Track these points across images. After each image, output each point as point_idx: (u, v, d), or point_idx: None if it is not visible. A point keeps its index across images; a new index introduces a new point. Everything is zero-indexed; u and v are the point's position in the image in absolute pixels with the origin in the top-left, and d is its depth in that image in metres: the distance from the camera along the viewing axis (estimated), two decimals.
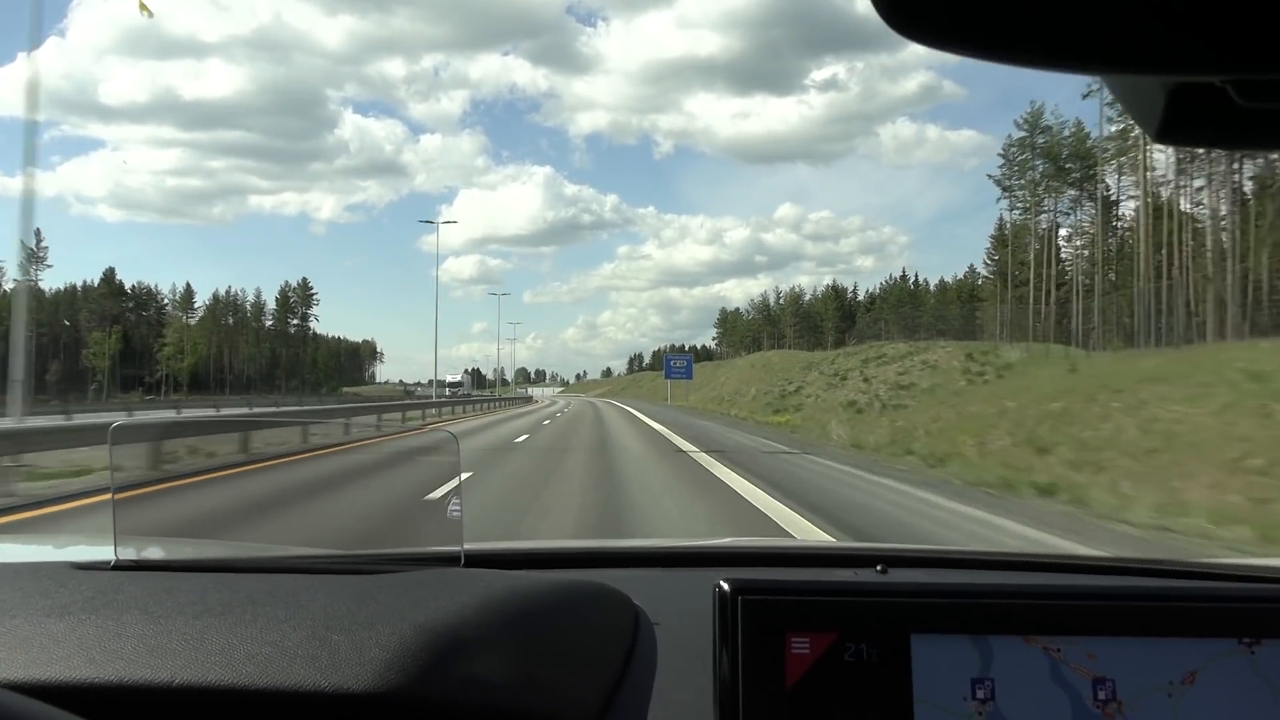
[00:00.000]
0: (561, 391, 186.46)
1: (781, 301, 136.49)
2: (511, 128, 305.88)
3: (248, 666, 0.76)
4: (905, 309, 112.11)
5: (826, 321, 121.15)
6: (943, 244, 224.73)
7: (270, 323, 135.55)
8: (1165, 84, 0.48)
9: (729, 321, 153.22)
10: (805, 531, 7.22)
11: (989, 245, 78.51)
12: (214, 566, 1.12)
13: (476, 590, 0.95)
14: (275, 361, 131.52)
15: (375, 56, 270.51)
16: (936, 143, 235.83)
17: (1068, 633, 0.86)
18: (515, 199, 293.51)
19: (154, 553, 1.25)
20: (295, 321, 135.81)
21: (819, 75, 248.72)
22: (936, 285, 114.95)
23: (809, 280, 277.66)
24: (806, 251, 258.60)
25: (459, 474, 1.25)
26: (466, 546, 1.17)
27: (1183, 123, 0.49)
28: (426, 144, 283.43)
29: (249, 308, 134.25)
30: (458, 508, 1.20)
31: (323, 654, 0.78)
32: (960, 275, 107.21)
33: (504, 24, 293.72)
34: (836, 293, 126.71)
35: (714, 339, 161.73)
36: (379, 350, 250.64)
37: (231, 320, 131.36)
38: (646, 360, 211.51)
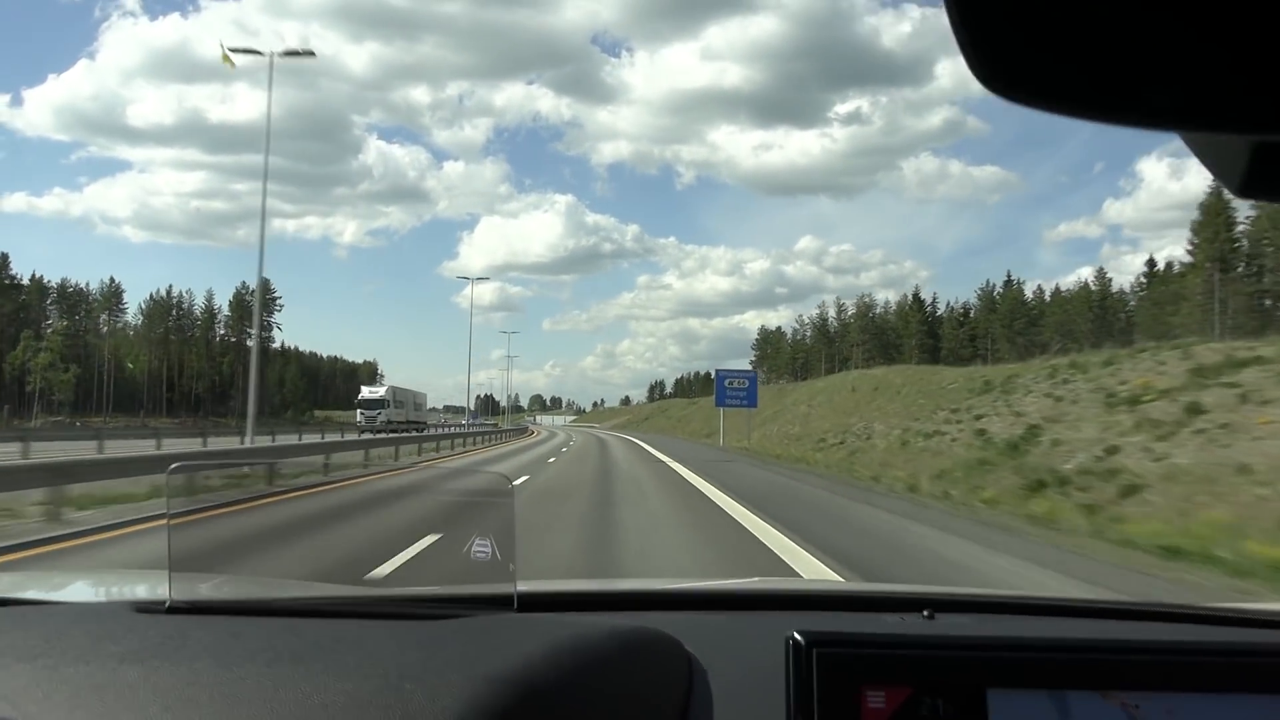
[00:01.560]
0: (573, 421, 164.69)
1: (846, 317, 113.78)
2: (534, 156, 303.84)
3: (321, 715, 0.76)
4: (1021, 320, 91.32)
5: (907, 338, 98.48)
6: (964, 279, 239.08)
7: (224, 332, 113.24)
8: (1249, 141, 0.48)
9: (771, 342, 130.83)
10: None
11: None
12: (269, 609, 1.11)
13: (539, 638, 0.96)
14: (232, 379, 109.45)
15: (400, 83, 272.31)
16: (959, 178, 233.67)
17: (1146, 688, 0.84)
18: (537, 226, 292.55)
19: (207, 591, 1.25)
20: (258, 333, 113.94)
21: (842, 108, 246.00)
22: (1045, 293, 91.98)
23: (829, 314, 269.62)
24: (827, 284, 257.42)
25: (513, 512, 1.26)
26: (519, 587, 1.17)
27: (1266, 180, 0.49)
28: (449, 170, 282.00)
29: (199, 314, 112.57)
30: (494, 547, 1.19)
31: (396, 704, 0.77)
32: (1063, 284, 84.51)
33: (529, 53, 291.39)
34: (919, 303, 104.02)
35: (751, 363, 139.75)
36: (380, 373, 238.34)
37: (168, 328, 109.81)
38: (669, 388, 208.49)
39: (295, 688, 0.79)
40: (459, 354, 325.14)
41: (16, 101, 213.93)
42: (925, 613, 1.25)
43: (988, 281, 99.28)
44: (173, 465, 1.26)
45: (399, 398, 63.77)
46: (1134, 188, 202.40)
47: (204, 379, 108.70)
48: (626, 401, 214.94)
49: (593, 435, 64.68)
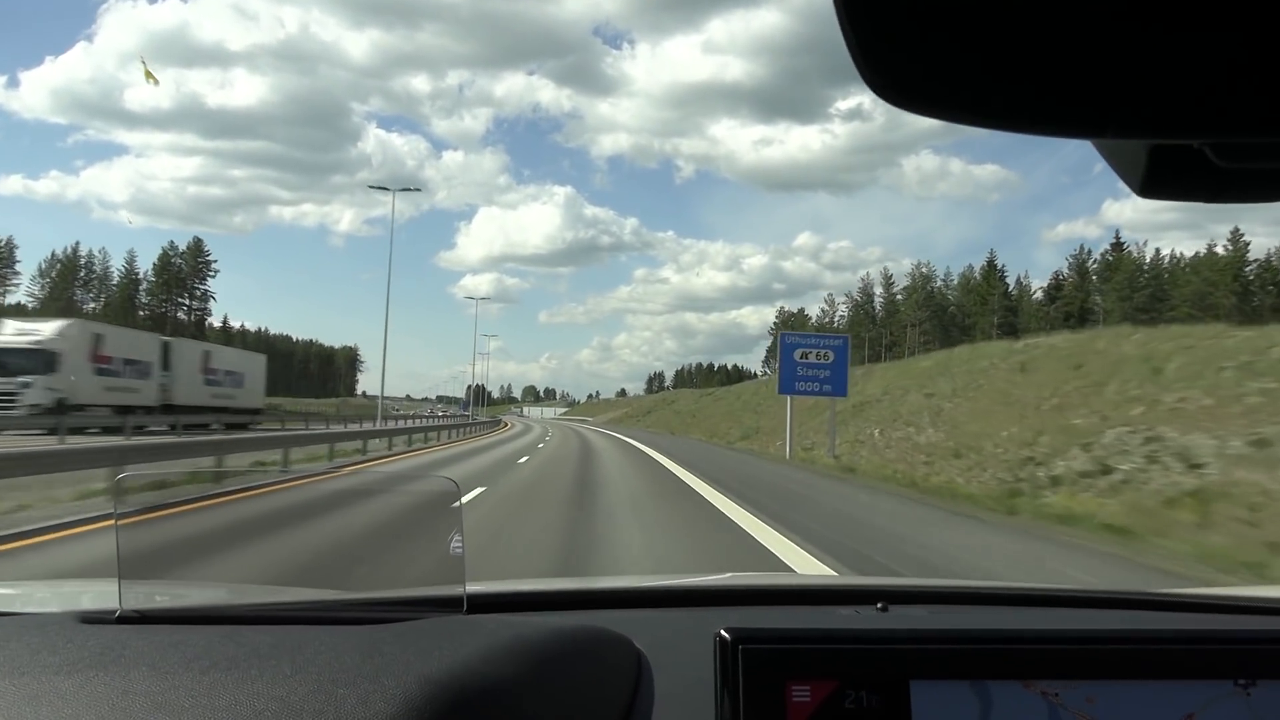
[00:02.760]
0: (564, 414, 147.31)
1: (896, 293, 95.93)
2: (534, 147, 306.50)
3: None
4: (1143, 293, 73.98)
5: (982, 317, 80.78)
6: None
7: (147, 300, 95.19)
8: (1147, 145, 0.50)
9: (795, 325, 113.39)
10: None
11: None
12: (219, 616, 1.13)
13: (480, 640, 0.96)
14: None
15: (400, 71, 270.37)
16: (960, 176, 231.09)
17: (1066, 677, 0.87)
18: (535, 218, 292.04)
19: (158, 599, 1.23)
20: (185, 301, 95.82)
21: (844, 105, 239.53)
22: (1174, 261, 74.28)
23: (827, 309, 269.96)
24: (825, 281, 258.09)
25: (461, 515, 1.23)
26: (469, 589, 1.16)
27: (1164, 180, 0.51)
28: (448, 160, 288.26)
29: (117, 278, 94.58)
30: (459, 546, 1.18)
31: (329, 708, 0.77)
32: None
33: (530, 43, 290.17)
34: (993, 271, 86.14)
35: (769, 352, 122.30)
36: (360, 359, 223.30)
37: (71, 297, 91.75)
38: (668, 381, 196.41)
39: (228, 695, 0.79)
40: (454, 344, 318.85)
41: (13, 83, 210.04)
42: (879, 605, 1.25)
43: (1081, 247, 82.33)
44: (121, 475, 1.22)
45: (109, 347, 30.49)
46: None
47: None
48: (623, 394, 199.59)
49: (579, 434, 47.33)
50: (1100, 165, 0.50)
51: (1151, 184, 0.51)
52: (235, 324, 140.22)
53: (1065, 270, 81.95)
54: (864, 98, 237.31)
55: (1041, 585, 1.63)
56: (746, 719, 0.84)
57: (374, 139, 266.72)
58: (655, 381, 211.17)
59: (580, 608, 1.39)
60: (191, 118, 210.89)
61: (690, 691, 0.99)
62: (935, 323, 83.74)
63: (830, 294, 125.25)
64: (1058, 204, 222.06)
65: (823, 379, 25.66)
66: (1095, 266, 79.50)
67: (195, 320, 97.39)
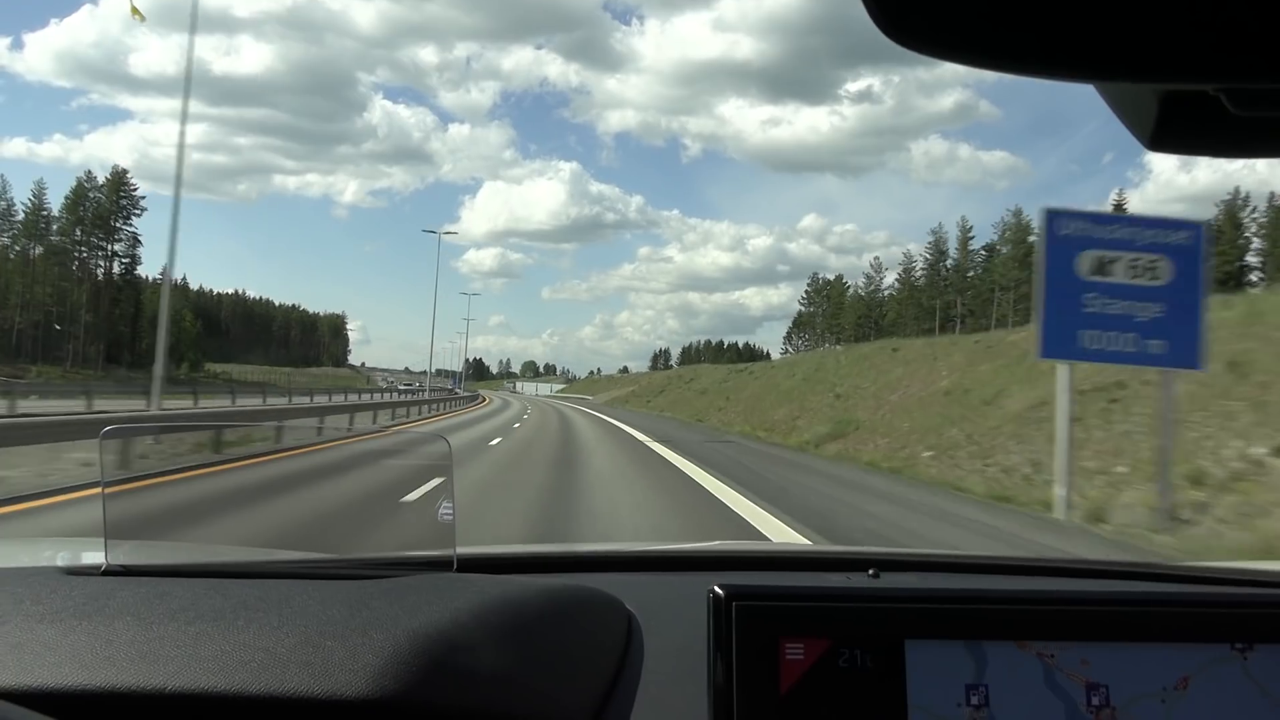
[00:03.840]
0: (559, 391, 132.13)
1: (944, 264, 79.71)
2: (540, 122, 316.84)
3: (241, 673, 0.76)
4: None
5: None
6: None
7: (58, 239, 79.12)
8: (1158, 92, 0.48)
9: (830, 296, 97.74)
10: None
11: None
12: (206, 571, 1.11)
13: (470, 595, 0.96)
14: (71, 312, 76.11)
15: (408, 42, 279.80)
16: (968, 162, 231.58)
17: (1061, 638, 0.87)
18: (540, 194, 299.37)
19: (145, 556, 1.21)
20: (110, 248, 79.93)
21: (854, 86, 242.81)
22: None
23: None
24: (830, 264, 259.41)
25: (450, 473, 1.22)
26: (459, 550, 1.15)
27: (1176, 131, 0.48)
28: (454, 133, 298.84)
29: (22, 216, 78.45)
30: (449, 511, 1.18)
31: (316, 660, 0.77)
32: None
33: (539, 16, 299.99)
34: None
35: (793, 327, 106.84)
36: (346, 326, 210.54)
37: None
38: (674, 358, 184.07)
39: (214, 645, 0.78)
40: (456, 318, 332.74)
41: (17, 45, 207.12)
42: (871, 571, 1.26)
43: (1237, 191, 66.25)
44: (106, 429, 1.21)
45: None
46: (1142, 179, 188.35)
47: (30, 310, 75.43)
48: (625, 371, 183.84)
49: (562, 426, 31.97)
50: (1110, 154, 0.59)
51: (1162, 135, 0.48)
52: (196, 283, 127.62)
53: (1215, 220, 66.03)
54: (874, 79, 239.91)
55: (1034, 556, 1.45)
56: (739, 676, 0.83)
57: (380, 110, 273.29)
58: (660, 358, 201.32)
59: (570, 570, 1.38)
60: (196, 84, 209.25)
61: (681, 652, 0.99)
62: (976, 298, 67.62)
63: (877, 257, 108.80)
64: (1066, 193, 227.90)
65: (1148, 325, 10.42)
66: (1258, 218, 63.98)
67: (124, 271, 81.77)
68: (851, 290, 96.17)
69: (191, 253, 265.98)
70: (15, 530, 6.11)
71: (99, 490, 1.14)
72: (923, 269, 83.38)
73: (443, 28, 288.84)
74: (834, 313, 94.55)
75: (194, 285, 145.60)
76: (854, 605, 0.87)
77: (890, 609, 0.87)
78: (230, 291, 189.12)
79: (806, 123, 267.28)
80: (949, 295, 76.67)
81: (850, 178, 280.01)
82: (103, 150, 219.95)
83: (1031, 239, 68.98)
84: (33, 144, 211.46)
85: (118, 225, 78.63)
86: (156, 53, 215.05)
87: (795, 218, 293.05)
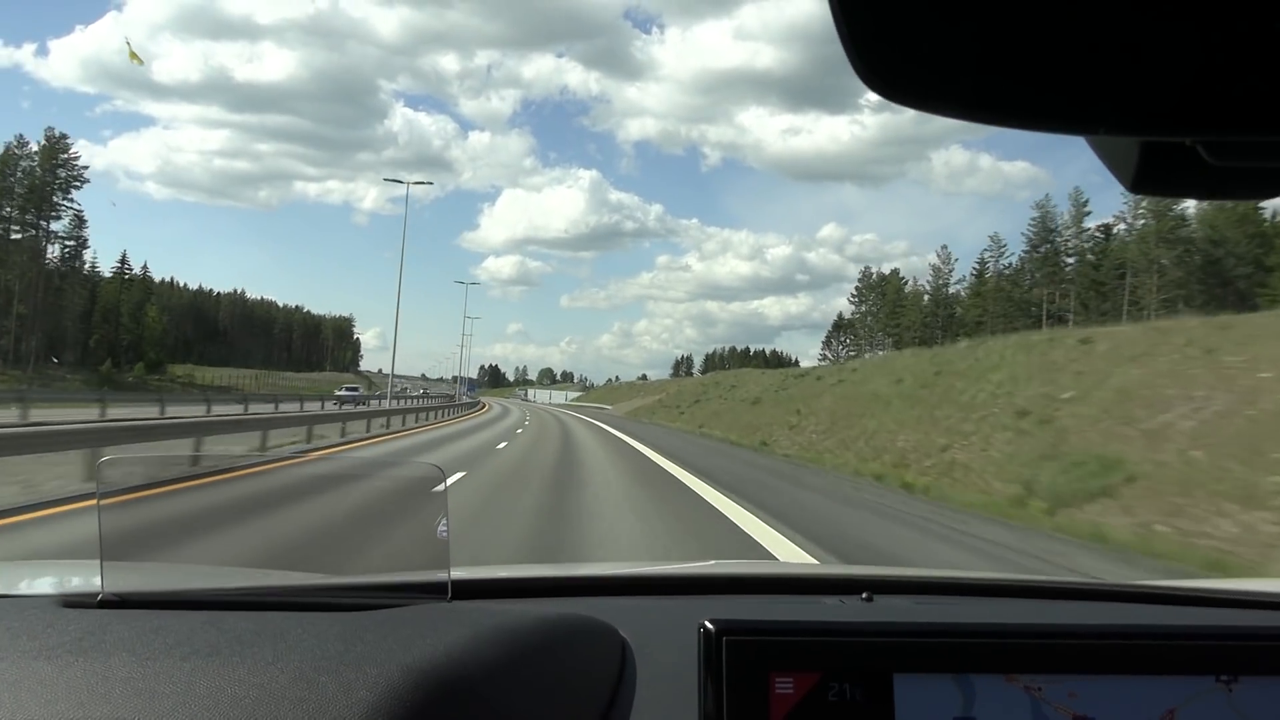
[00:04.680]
0: (575, 399, 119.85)
1: (1088, 231, 66.20)
2: (560, 130, 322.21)
3: (234, 710, 0.76)
4: None
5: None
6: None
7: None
8: (1138, 141, 0.49)
9: (888, 290, 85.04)
10: None
11: None
12: (202, 601, 1.11)
13: (464, 628, 0.95)
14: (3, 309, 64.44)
15: (429, 49, 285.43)
16: (989, 172, 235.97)
17: (1049, 671, 0.87)
18: (559, 201, 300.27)
19: (141, 582, 1.20)
20: (46, 226, 68.10)
21: (874, 96, 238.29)
22: None
23: (849, 303, 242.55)
24: (849, 273, 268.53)
25: (446, 500, 1.19)
26: (453, 574, 1.13)
27: (1156, 176, 0.50)
28: (475, 141, 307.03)
29: None
30: (444, 531, 1.16)
31: (310, 696, 0.77)
32: None
33: (560, 24, 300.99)
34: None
35: (850, 322, 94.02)
36: (355, 332, 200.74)
37: None
38: (697, 366, 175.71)
39: (209, 682, 0.78)
40: (480, 327, 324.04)
41: (43, 51, 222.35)
42: (864, 595, 1.26)
43: None
44: (103, 459, 1.20)
45: None
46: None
47: None
48: (643, 379, 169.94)
49: (565, 453, 19.36)
50: None
51: (1143, 181, 0.50)
52: (159, 275, 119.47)
53: None
54: None
55: (1026, 577, 1.64)
56: (730, 710, 0.84)
57: (401, 117, 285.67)
58: (683, 365, 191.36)
59: (564, 594, 1.39)
60: (219, 91, 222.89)
61: (673, 680, 0.99)
62: (1188, 269, 54.14)
63: (945, 246, 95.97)
64: (1089, 204, 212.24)
65: None
66: None
67: (65, 254, 70.16)
68: (910, 286, 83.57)
69: (211, 257, 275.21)
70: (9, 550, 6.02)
71: (94, 502, 1.11)
72: (1020, 255, 70.75)
73: (464, 35, 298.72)
74: (891, 311, 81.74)
75: (193, 284, 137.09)
76: (843, 639, 0.88)
77: (880, 642, 0.87)
78: (229, 291, 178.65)
79: (827, 132, 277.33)
80: (1052, 285, 63.47)
81: (870, 187, 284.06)
82: (126, 156, 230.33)
83: (1184, 209, 55.40)
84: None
85: (57, 201, 66.85)
86: (180, 59, 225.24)
87: (814, 227, 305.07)
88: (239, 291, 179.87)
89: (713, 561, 1.93)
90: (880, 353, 66.95)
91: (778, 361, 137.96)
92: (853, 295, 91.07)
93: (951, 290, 76.95)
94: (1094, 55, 0.40)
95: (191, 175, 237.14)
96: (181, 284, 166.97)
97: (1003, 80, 0.42)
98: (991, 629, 0.90)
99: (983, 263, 74.45)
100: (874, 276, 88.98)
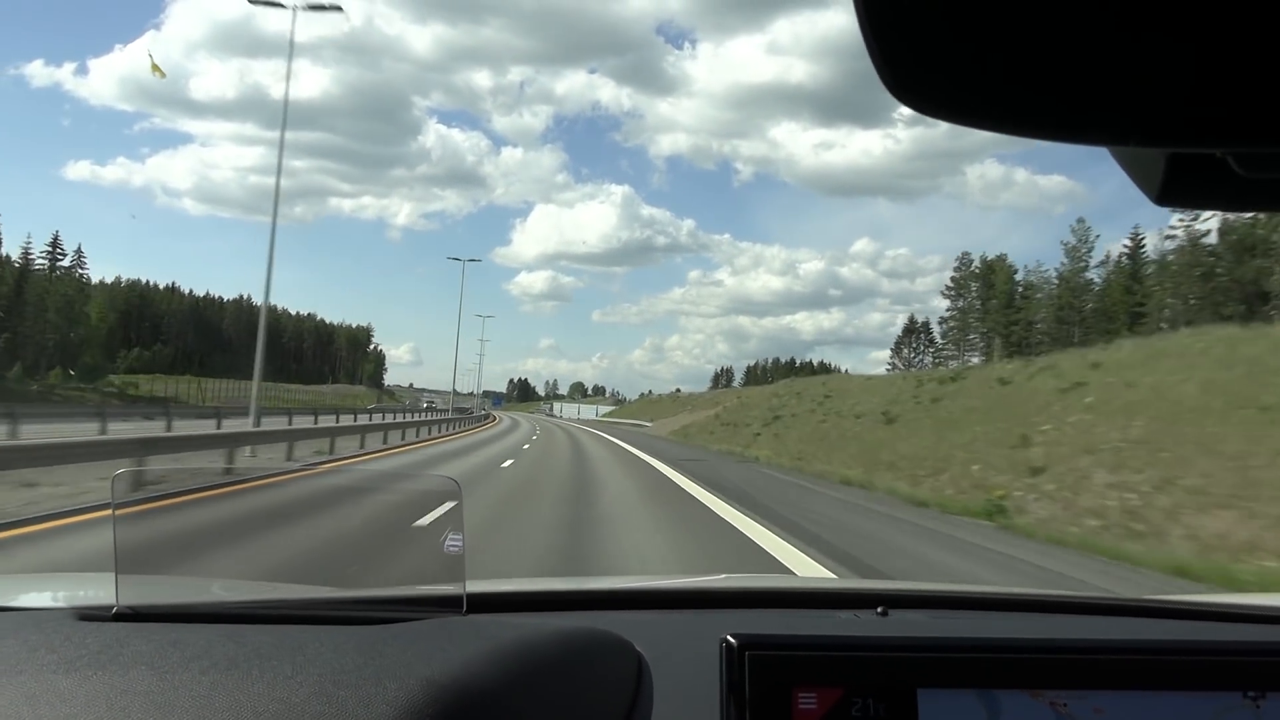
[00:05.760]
0: (606, 415, 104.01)
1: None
2: (592, 145, 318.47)
3: None
4: None
5: None
6: None
7: None
8: (1165, 152, 0.48)
9: (996, 280, 68.26)
10: None
11: None
12: (218, 614, 1.10)
13: (482, 641, 0.95)
14: None
15: (463, 66, 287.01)
16: (1024, 186, 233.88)
17: (1074, 686, 0.86)
18: (591, 217, 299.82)
19: (155, 594, 1.22)
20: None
21: (908, 110, 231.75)
22: None
23: (881, 318, 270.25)
24: (882, 288, 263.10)
25: (459, 502, 1.23)
26: (469, 587, 1.13)
27: (1183, 188, 0.49)
28: (507, 157, 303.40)
29: None
30: (456, 543, 1.16)
31: (330, 710, 0.76)
32: None
33: (592, 40, 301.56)
34: None
35: (945, 319, 77.41)
36: (375, 344, 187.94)
37: None
38: (738, 378, 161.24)
39: (228, 695, 0.78)
40: (512, 342, 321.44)
41: (82, 70, 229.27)
42: (879, 610, 1.26)
43: None
44: (118, 472, 1.21)
45: None
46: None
47: None
48: (678, 392, 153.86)
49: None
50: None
51: (1169, 192, 0.49)
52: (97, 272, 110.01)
53: None
54: None
55: (1041, 591, 1.52)
56: None
57: (434, 134, 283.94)
58: (722, 377, 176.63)
59: (579, 608, 1.39)
60: (254, 108, 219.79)
61: (690, 695, 0.99)
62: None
63: (1082, 219, 79.59)
64: (1125, 218, 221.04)
65: None
66: None
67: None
68: (1023, 275, 67.01)
69: (246, 273, 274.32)
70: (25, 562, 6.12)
71: (109, 512, 1.11)
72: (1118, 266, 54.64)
73: (497, 52, 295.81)
74: (1006, 303, 65.06)
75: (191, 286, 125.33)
76: (867, 654, 0.87)
77: (904, 657, 0.86)
78: (234, 297, 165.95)
79: (859, 146, 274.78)
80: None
81: (903, 202, 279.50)
82: (163, 173, 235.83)
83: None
84: (97, 167, 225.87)
85: None
86: (216, 78, 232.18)
87: (847, 242, 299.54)
88: (245, 297, 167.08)
89: (724, 575, 2.00)
90: (976, 356, 50.71)
91: (825, 373, 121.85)
92: (947, 287, 74.76)
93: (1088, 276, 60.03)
94: (1124, 66, 0.40)
95: (227, 191, 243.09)
96: (187, 290, 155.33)
97: (1030, 92, 0.41)
98: (1016, 644, 0.89)
99: (1136, 238, 57.85)
100: (974, 265, 72.49)
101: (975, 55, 0.40)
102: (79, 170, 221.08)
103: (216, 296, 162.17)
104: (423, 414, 49.91)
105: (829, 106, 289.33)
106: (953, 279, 73.85)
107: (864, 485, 18.22)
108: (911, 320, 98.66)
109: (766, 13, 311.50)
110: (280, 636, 0.92)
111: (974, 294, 71.12)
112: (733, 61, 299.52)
